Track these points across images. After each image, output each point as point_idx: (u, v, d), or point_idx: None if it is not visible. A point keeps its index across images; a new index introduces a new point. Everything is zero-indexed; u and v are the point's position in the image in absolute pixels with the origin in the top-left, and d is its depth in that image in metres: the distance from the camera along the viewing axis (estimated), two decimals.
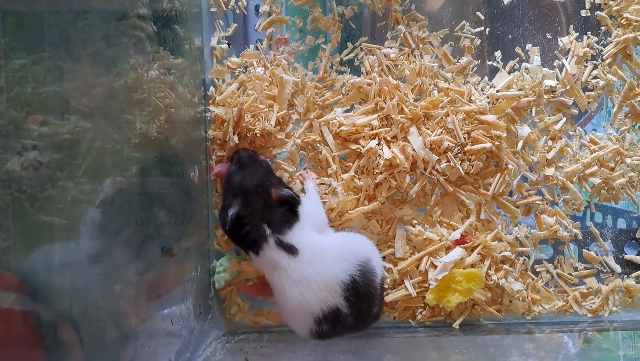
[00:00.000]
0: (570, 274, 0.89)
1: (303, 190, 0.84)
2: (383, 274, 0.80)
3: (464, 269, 0.83)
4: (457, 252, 0.83)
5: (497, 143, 0.83)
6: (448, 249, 0.85)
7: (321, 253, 0.73)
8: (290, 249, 0.72)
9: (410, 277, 0.85)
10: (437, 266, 0.82)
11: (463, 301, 0.82)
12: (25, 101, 0.44)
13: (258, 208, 0.73)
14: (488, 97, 0.86)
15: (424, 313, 0.86)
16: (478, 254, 0.84)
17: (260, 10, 0.89)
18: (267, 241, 0.72)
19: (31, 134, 0.44)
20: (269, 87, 0.87)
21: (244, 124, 0.83)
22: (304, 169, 0.88)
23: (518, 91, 0.86)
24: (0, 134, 0.42)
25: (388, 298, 0.84)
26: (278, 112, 0.85)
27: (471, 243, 0.85)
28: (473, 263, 0.84)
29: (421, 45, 0.89)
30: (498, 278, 0.85)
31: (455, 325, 0.85)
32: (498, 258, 0.86)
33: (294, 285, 0.72)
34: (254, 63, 0.88)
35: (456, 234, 0.84)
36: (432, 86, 0.87)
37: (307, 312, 0.72)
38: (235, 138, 0.83)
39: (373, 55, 0.89)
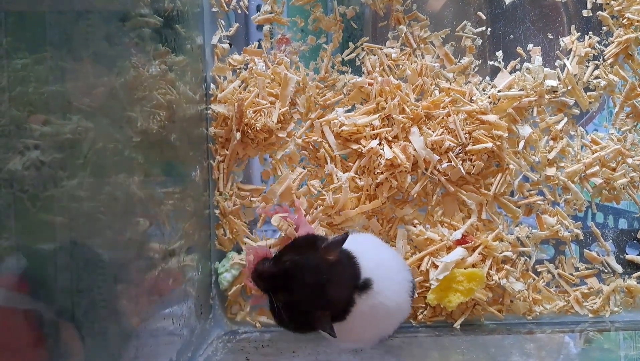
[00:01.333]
0: (572, 274, 0.89)
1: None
2: None
3: (465, 269, 0.83)
4: (458, 252, 0.83)
5: (498, 143, 0.83)
6: (449, 249, 0.85)
7: (388, 284, 0.71)
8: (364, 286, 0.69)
9: None
10: (438, 266, 0.82)
11: (464, 301, 0.82)
12: (27, 100, 0.44)
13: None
14: (489, 97, 0.86)
15: (425, 313, 0.86)
16: (479, 254, 0.84)
17: (261, 11, 0.89)
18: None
19: (33, 134, 0.44)
20: (270, 84, 0.87)
21: (246, 120, 0.83)
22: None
23: (519, 91, 0.86)
24: (2, 134, 0.42)
25: None
26: (280, 109, 0.85)
27: (472, 243, 0.84)
28: (474, 263, 0.84)
29: (422, 45, 0.89)
30: (499, 278, 0.84)
31: (457, 325, 0.85)
32: (499, 258, 0.86)
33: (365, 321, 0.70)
34: (255, 60, 0.88)
35: (457, 234, 0.84)
36: (434, 86, 0.87)
37: (375, 339, 0.76)
38: (238, 135, 0.83)
39: (374, 55, 0.89)
